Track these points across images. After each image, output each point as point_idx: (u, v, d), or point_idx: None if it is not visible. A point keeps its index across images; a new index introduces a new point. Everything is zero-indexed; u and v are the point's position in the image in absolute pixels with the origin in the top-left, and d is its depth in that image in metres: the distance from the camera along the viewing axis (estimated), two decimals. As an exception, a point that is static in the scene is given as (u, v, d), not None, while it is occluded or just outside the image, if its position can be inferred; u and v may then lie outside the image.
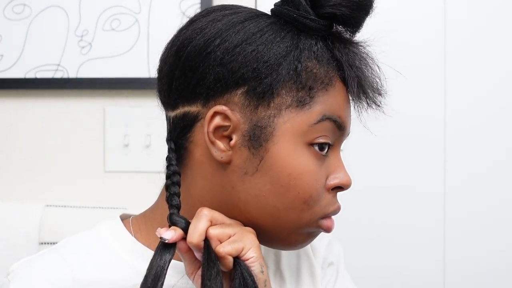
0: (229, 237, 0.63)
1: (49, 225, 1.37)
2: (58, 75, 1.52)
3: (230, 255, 0.61)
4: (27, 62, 1.52)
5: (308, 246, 0.81)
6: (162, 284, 0.60)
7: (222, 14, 0.68)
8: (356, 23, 0.68)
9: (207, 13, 0.69)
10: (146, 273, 0.61)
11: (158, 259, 0.61)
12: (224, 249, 0.61)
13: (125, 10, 1.51)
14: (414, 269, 1.50)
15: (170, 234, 0.62)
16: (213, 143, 0.65)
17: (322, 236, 0.84)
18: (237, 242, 0.62)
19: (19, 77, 1.52)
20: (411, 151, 1.51)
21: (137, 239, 0.71)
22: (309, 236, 0.69)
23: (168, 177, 0.67)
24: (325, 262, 0.82)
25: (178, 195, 0.66)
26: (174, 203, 0.65)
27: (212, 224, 0.63)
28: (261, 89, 0.64)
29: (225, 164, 0.66)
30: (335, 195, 0.69)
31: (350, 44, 0.68)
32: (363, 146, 1.49)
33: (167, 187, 0.67)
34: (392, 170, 1.51)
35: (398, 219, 1.50)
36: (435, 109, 1.50)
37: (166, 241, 0.62)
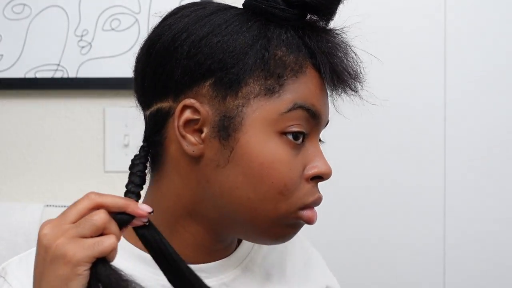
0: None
1: (49, 225, 1.37)
2: (58, 75, 1.52)
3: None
4: (27, 62, 1.52)
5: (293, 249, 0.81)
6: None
7: (191, 10, 0.68)
8: (327, 11, 0.68)
9: (177, 10, 0.70)
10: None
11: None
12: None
13: (125, 10, 1.51)
14: (414, 269, 1.50)
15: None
16: (184, 137, 0.65)
17: (318, 261, 0.85)
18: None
19: (19, 77, 1.52)
20: (411, 151, 1.50)
21: (124, 238, 0.70)
22: (291, 228, 0.68)
23: (130, 168, 0.65)
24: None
25: (143, 178, 0.64)
26: (138, 181, 0.64)
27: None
28: (228, 79, 0.64)
29: (198, 158, 0.65)
30: (315, 185, 0.68)
31: (324, 32, 0.68)
32: (363, 146, 1.49)
33: (129, 176, 0.65)
34: (392, 170, 1.50)
35: (398, 219, 1.50)
36: (435, 108, 1.50)
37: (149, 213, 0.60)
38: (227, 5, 0.70)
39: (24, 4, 1.52)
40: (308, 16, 0.68)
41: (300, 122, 0.65)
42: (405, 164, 1.50)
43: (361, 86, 0.69)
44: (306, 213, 0.66)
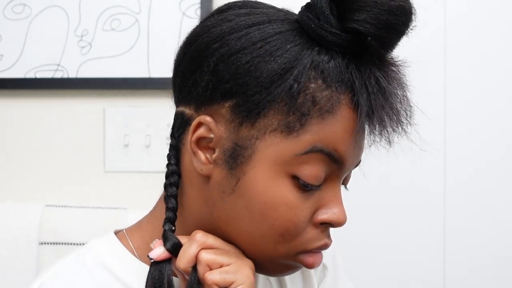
0: (221, 266, 0.59)
1: (49, 225, 1.37)
2: (58, 75, 1.52)
3: (216, 285, 0.58)
4: (27, 62, 1.52)
5: None
6: None
7: (236, 13, 0.62)
8: (383, 44, 0.60)
9: (226, 8, 0.65)
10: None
11: (156, 273, 0.61)
12: (212, 276, 0.58)
13: (125, 10, 1.51)
14: (414, 269, 1.50)
15: (157, 253, 0.61)
16: (195, 153, 0.61)
17: None
18: (228, 274, 0.59)
19: (19, 77, 1.52)
20: (411, 150, 1.50)
21: (138, 257, 0.67)
22: (288, 268, 0.64)
23: (166, 177, 0.64)
24: None
25: (175, 197, 0.63)
26: (170, 205, 0.62)
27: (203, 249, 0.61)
28: (247, 106, 0.58)
29: (207, 178, 0.62)
30: (324, 230, 0.63)
31: (375, 65, 0.60)
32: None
33: (165, 187, 0.64)
34: (392, 170, 1.50)
35: (398, 219, 1.50)
36: (435, 109, 1.50)
37: (152, 260, 0.61)
38: (279, 13, 0.63)
39: (24, 4, 1.52)
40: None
41: (317, 165, 0.59)
42: (405, 164, 1.50)
43: (405, 134, 0.64)
44: (306, 258, 0.62)
